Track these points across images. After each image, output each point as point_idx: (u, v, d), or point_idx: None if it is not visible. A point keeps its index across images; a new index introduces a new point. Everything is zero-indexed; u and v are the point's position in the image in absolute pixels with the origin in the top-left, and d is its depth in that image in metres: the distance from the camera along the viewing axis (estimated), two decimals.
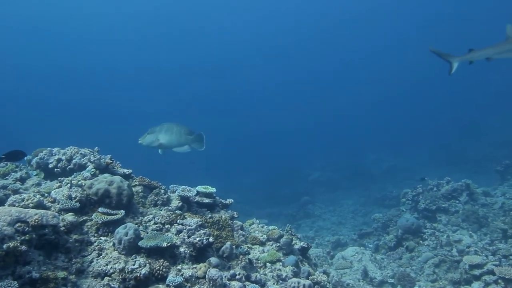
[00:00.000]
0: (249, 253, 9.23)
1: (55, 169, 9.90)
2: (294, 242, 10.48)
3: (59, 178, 9.01)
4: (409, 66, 79.59)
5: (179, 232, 8.15)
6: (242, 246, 9.37)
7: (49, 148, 10.38)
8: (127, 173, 9.72)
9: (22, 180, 9.74)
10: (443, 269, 14.28)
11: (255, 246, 9.77)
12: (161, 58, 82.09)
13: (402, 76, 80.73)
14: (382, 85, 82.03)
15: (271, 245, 9.96)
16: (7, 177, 9.82)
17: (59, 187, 8.65)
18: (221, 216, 9.66)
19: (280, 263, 9.27)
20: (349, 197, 32.64)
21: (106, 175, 8.63)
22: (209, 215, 9.69)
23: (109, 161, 9.50)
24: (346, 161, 45.07)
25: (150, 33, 79.14)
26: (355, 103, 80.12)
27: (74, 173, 9.43)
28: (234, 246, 8.91)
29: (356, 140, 57.95)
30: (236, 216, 10.51)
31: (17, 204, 7.39)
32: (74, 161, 9.72)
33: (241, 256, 8.70)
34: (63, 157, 9.94)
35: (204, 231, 8.12)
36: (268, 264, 9.06)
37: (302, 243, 10.51)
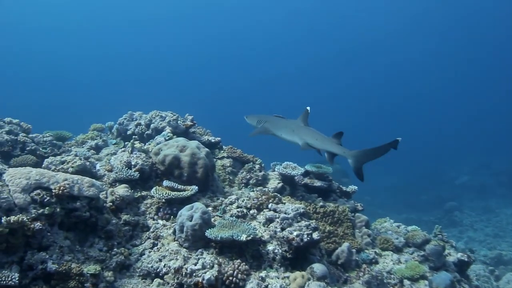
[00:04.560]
0: (377, 262, 6.39)
1: (133, 136, 8.25)
2: (447, 251, 7.28)
3: (125, 143, 7.29)
4: None
5: (269, 221, 5.71)
6: (367, 251, 6.57)
7: (130, 112, 8.82)
8: (213, 141, 7.63)
9: (98, 148, 8.28)
10: None
11: (386, 252, 6.87)
12: None
13: None
14: None
15: (411, 253, 6.96)
16: (83, 145, 8.47)
17: (124, 151, 6.87)
18: (338, 206, 6.97)
19: (426, 282, 6.24)
20: (507, 205, 27.21)
21: (179, 139, 6.62)
22: (321, 203, 7.06)
23: (189, 123, 7.49)
24: (503, 164, 38.15)
25: None
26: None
27: (150, 140, 7.62)
28: (354, 250, 6.21)
29: None
30: (360, 208, 7.73)
31: (53, 167, 5.70)
32: (152, 125, 7.97)
33: (364, 266, 5.95)
34: (143, 122, 8.25)
35: (308, 223, 5.53)
36: (406, 282, 6.13)
37: (459, 254, 7.25)
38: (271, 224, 5.65)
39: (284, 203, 6.16)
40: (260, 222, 5.77)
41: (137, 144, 6.55)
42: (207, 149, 6.57)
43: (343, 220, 6.83)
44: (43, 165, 5.87)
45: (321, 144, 6.88)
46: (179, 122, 7.62)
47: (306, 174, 7.83)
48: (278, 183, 7.19)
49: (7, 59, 65.29)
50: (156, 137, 7.41)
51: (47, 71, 68.00)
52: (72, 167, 5.72)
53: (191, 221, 5.18)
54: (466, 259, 7.16)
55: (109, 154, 7.92)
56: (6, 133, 7.11)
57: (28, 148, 7.05)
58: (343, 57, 74.57)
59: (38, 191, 4.69)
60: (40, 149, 7.23)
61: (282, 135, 7.22)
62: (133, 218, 5.54)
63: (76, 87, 68.29)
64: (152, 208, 5.82)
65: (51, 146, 7.44)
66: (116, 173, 5.97)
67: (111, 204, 5.51)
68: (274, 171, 7.61)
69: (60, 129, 8.95)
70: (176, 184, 5.93)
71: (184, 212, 5.30)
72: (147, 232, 5.50)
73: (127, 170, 6.02)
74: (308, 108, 7.09)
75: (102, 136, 9.10)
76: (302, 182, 7.63)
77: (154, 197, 5.85)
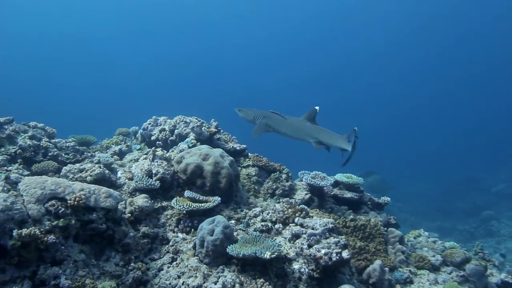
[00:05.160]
0: (412, 282, 5.94)
1: (157, 142, 8.06)
2: (489, 271, 6.73)
3: (148, 150, 7.08)
4: None
5: (295, 237, 5.35)
6: (401, 270, 6.12)
7: (154, 117, 8.64)
8: (238, 148, 7.34)
9: (122, 154, 8.11)
10: None
11: (422, 271, 6.41)
12: None
13: None
14: None
15: (450, 273, 6.46)
16: (107, 150, 8.34)
17: (145, 158, 6.65)
18: (369, 220, 6.55)
19: None
20: None
21: (202, 146, 6.36)
22: (351, 217, 6.65)
23: (214, 129, 7.21)
24: None
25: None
26: None
27: (174, 147, 7.38)
28: (387, 268, 5.77)
29: None
30: (393, 222, 7.27)
31: (71, 176, 5.52)
32: (176, 131, 7.74)
33: (398, 286, 5.53)
34: (167, 127, 8.04)
35: (337, 239, 5.15)
36: None
37: (503, 274, 6.70)
38: (297, 240, 5.28)
39: (312, 217, 5.78)
40: (285, 238, 5.41)
41: (159, 152, 6.31)
42: (231, 158, 6.27)
43: (375, 235, 6.41)
44: (61, 173, 5.71)
45: (334, 142, 7.08)
46: (203, 128, 7.35)
47: (336, 184, 7.43)
48: (306, 194, 6.82)
49: (42, 64, 67.57)
50: (179, 144, 7.17)
51: (74, 74, 69.73)
52: (91, 175, 5.51)
53: (212, 235, 4.88)
54: (510, 281, 6.60)
55: (132, 160, 7.74)
56: (29, 138, 7.01)
57: (50, 154, 6.93)
58: (372, 57, 73.38)
59: (53, 201, 4.49)
60: (63, 154, 7.10)
61: (288, 132, 7.26)
62: (152, 230, 5.29)
63: (105, 90, 69.84)
64: (172, 220, 5.56)
65: (73, 152, 7.31)
66: (136, 182, 5.74)
67: (129, 215, 5.28)
68: (301, 181, 7.25)
69: (87, 133, 8.88)
70: (198, 195, 5.65)
71: (205, 226, 5.00)
72: (167, 246, 5.24)
73: (147, 179, 5.78)
74: (317, 107, 7.25)
75: (127, 141, 8.96)
76: (332, 193, 7.24)
77: (174, 208, 5.59)
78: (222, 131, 7.99)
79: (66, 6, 67.62)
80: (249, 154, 7.60)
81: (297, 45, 75.96)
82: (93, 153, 7.96)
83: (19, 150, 6.69)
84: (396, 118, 70.38)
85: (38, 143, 6.98)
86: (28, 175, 6.37)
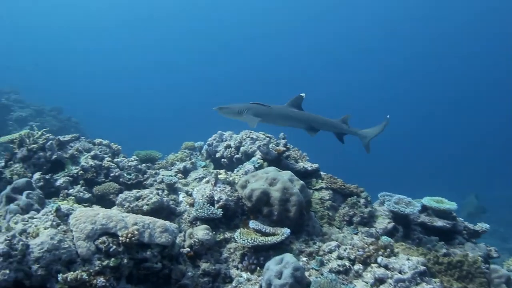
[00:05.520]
0: None
1: (222, 159, 7.55)
2: None
3: (212, 170, 6.55)
4: None
5: (378, 281, 4.51)
6: None
7: (219, 132, 8.15)
8: (309, 169, 6.59)
9: (186, 171, 7.71)
10: None
11: None
12: None
13: None
14: None
15: None
16: (172, 167, 7.98)
17: (207, 182, 6.12)
18: (467, 255, 5.52)
19: None
20: None
21: (269, 169, 5.71)
22: (443, 250, 5.66)
23: (282, 148, 6.53)
24: None
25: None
26: None
27: (239, 166, 6.81)
28: None
29: None
30: (495, 255, 6.14)
31: (127, 204, 5.09)
32: (242, 148, 7.18)
33: None
34: (232, 143, 7.51)
35: (431, 286, 4.25)
36: None
37: None
38: (381, 286, 4.44)
39: (397, 254, 4.90)
40: (367, 283, 4.57)
41: (222, 175, 5.74)
42: (301, 182, 5.55)
43: (475, 274, 5.36)
44: (117, 202, 5.31)
45: (330, 127, 7.64)
46: (270, 146, 6.70)
47: (423, 209, 6.44)
48: (389, 222, 5.93)
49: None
50: (245, 164, 6.58)
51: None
52: (147, 204, 5.06)
53: (280, 278, 4.19)
54: None
55: (196, 178, 7.29)
56: (91, 158, 6.78)
57: (112, 174, 6.66)
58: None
59: (104, 238, 4.05)
60: (125, 174, 6.79)
61: (277, 120, 7.42)
62: (213, 267, 4.72)
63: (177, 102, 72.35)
64: (236, 254, 4.95)
65: (135, 172, 6.98)
66: (197, 210, 5.21)
67: (188, 249, 4.76)
68: (382, 205, 6.36)
69: (155, 146, 8.61)
70: (264, 226, 5.00)
71: (271, 267, 4.33)
72: (229, 286, 4.62)
73: (208, 207, 5.23)
74: (303, 94, 7.45)
75: (192, 157, 8.55)
76: (419, 220, 6.26)
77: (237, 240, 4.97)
78: (292, 147, 7.31)
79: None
80: (322, 174, 6.81)
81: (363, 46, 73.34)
82: (157, 171, 7.63)
83: (81, 172, 6.47)
84: (469, 121, 65.51)
85: (100, 163, 6.73)
86: (89, 198, 6.13)
